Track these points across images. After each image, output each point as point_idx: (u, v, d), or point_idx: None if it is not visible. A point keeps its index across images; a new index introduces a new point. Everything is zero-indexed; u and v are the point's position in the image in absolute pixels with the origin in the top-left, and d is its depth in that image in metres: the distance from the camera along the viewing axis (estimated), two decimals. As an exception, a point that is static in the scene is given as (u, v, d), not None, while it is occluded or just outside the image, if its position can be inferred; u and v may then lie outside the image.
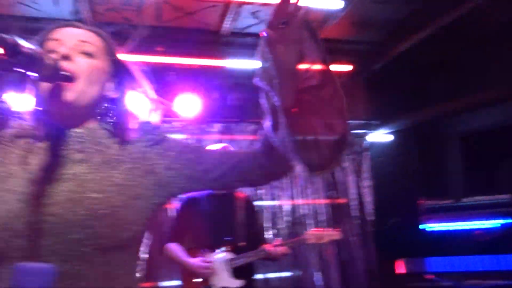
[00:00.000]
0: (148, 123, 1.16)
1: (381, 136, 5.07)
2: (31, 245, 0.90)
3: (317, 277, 4.50)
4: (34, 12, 3.72)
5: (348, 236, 4.62)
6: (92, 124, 1.07)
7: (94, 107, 1.07)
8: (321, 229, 3.33)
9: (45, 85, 0.93)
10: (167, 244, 2.97)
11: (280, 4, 0.93)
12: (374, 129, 5.00)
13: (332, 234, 3.23)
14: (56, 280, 0.84)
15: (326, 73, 1.02)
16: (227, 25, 4.05)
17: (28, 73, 0.85)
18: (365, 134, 4.99)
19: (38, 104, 0.98)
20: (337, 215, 4.71)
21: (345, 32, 4.40)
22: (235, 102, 4.54)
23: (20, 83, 0.85)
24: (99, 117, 1.09)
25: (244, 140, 4.64)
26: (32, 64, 0.84)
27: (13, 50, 0.80)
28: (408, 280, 3.45)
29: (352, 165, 4.86)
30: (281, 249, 2.99)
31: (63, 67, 0.94)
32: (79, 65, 0.99)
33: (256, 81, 1.01)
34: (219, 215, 3.03)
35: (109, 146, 1.07)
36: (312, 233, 3.21)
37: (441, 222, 3.62)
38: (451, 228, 3.65)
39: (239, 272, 2.96)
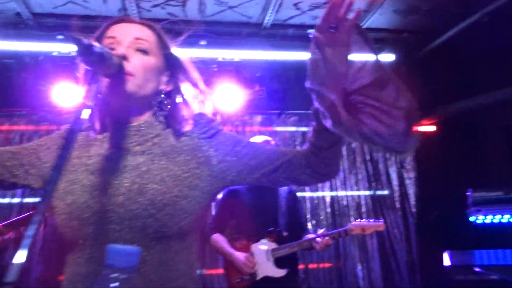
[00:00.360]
0: (203, 115, 1.19)
1: (424, 126, 4.95)
2: (98, 233, 0.97)
3: (359, 268, 4.49)
4: (84, 11, 3.88)
5: (390, 228, 4.58)
6: (149, 117, 1.12)
7: (150, 100, 1.12)
8: (366, 220, 3.32)
9: (107, 81, 0.99)
10: (211, 234, 3.05)
11: (329, 9, 0.93)
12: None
13: (376, 225, 3.22)
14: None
15: (383, 73, 1.00)
16: (269, 17, 4.07)
17: (96, 71, 0.92)
18: (408, 124, 4.89)
19: (100, 99, 1.04)
20: (379, 206, 4.66)
21: (387, 21, 4.33)
22: (276, 93, 4.57)
23: (89, 80, 0.92)
24: (155, 110, 1.14)
25: (285, 131, 4.67)
26: (101, 63, 0.91)
27: (87, 51, 0.87)
28: (455, 273, 3.38)
29: (395, 156, 4.79)
30: (325, 240, 3.00)
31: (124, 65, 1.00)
32: (135, 63, 1.04)
33: (308, 83, 1.01)
34: (262, 205, 3.08)
35: (166, 138, 1.12)
36: (356, 224, 3.20)
37: (489, 214, 3.52)
38: (500, 221, 3.54)
39: (281, 261, 3.01)
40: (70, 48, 4.00)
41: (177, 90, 1.16)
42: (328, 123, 0.99)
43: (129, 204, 0.99)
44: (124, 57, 1.01)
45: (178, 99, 1.16)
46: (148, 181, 1.02)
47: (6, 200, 4.06)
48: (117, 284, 0.75)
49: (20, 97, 4.16)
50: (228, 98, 4.32)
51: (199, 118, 1.17)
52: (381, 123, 0.97)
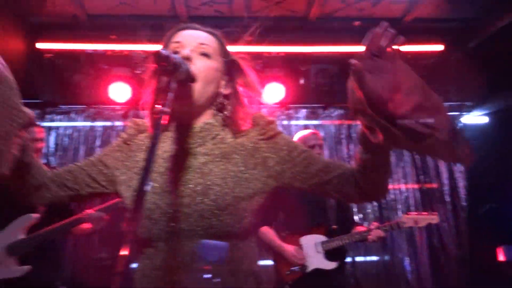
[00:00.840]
0: (262, 116, 1.21)
1: (475, 118, 4.80)
2: (168, 232, 1.03)
3: (407, 262, 4.44)
4: (136, 11, 4.02)
5: (440, 221, 4.49)
6: (209, 118, 1.17)
7: (211, 103, 1.18)
8: (418, 212, 3.26)
9: (176, 86, 1.03)
10: (259, 227, 3.11)
11: (371, 38, 0.93)
12: (468, 111, 4.75)
13: (429, 217, 3.16)
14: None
15: (432, 100, 0.96)
16: (314, 10, 4.07)
17: (171, 78, 0.98)
18: (459, 116, 4.75)
19: (166, 103, 1.08)
20: (428, 200, 4.58)
21: (437, 10, 4.22)
22: (321, 87, 4.56)
23: (165, 87, 0.98)
24: (214, 111, 1.19)
25: (330, 125, 4.67)
26: (175, 71, 0.98)
27: (165, 61, 0.95)
28: (510, 269, 3.29)
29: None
30: (377, 232, 2.99)
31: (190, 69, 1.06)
32: (198, 66, 1.10)
33: (350, 106, 1.01)
34: (311, 198, 3.08)
35: (224, 138, 1.16)
36: (409, 216, 3.16)
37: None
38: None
39: (332, 254, 3.03)
40: (123, 47, 4.17)
41: (235, 93, 1.21)
42: (376, 138, 0.98)
43: (194, 205, 1.04)
44: (188, 58, 1.08)
45: (236, 102, 1.21)
46: (211, 182, 1.07)
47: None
48: (209, 275, 0.82)
49: (77, 94, 4.38)
50: (274, 92, 4.35)
51: (258, 119, 1.21)
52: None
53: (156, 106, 0.97)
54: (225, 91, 1.19)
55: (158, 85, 1.15)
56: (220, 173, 1.09)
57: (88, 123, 4.42)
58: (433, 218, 3.15)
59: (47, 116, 4.36)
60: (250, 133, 1.18)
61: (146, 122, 1.22)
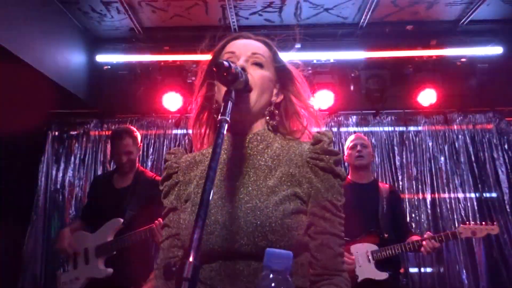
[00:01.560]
0: (327, 140, 1.12)
1: (538, 123, 4.54)
2: (224, 244, 1.02)
3: (464, 275, 4.25)
4: (189, 22, 4.15)
5: (500, 232, 4.26)
6: (261, 127, 1.17)
7: (264, 112, 1.17)
8: (477, 223, 3.11)
9: (234, 95, 1.02)
10: None
11: None
12: (530, 116, 4.50)
13: (489, 228, 3.00)
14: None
15: None
16: (365, 16, 4.02)
17: (230, 88, 0.99)
18: (520, 121, 4.51)
19: (227, 112, 1.03)
20: (487, 210, 4.36)
21: (495, 11, 4.04)
22: (372, 93, 4.49)
23: (225, 97, 0.99)
24: (266, 120, 1.17)
25: (381, 131, 4.57)
26: (235, 81, 0.99)
27: (226, 72, 0.96)
28: None
29: (504, 156, 4.44)
30: (432, 243, 2.87)
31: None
32: (253, 76, 1.10)
33: None
34: (362, 205, 3.04)
35: (274, 149, 1.15)
36: (466, 226, 3.01)
37: None
38: None
39: (383, 264, 2.95)
40: (176, 58, 4.31)
41: (286, 101, 1.21)
42: None
43: (247, 220, 1.02)
44: (243, 69, 1.07)
45: (287, 109, 1.20)
46: (257, 199, 1.05)
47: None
48: (273, 284, 0.84)
49: (132, 104, 4.57)
50: (324, 99, 4.33)
51: (321, 138, 1.13)
52: None
53: (216, 115, 0.99)
54: (277, 99, 1.19)
55: (217, 95, 1.16)
56: (267, 190, 1.06)
57: (142, 132, 4.59)
58: (493, 229, 3.00)
59: (105, 126, 4.57)
60: (304, 145, 1.14)
61: (181, 149, 1.25)
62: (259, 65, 1.15)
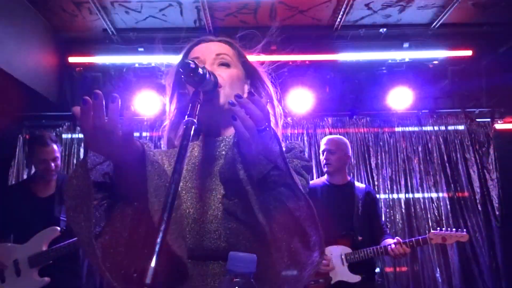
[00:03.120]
0: (300, 149, 1.17)
1: (507, 124, 4.66)
2: (198, 240, 1.03)
3: (438, 273, 4.33)
4: (163, 23, 4.11)
5: (472, 231, 4.36)
6: (231, 132, 1.17)
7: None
8: (447, 230, 3.16)
9: (202, 96, 1.03)
10: None
11: None
12: (500, 117, 4.62)
13: (458, 235, 3.06)
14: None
15: None
16: (340, 18, 4.05)
17: (198, 89, 0.99)
18: (490, 122, 4.63)
19: (194, 113, 1.04)
20: (459, 209, 4.45)
21: (466, 15, 4.14)
22: (347, 95, 4.54)
23: (192, 98, 0.97)
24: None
25: (356, 133, 4.62)
26: (202, 82, 0.99)
27: (192, 72, 0.95)
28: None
29: (476, 156, 4.55)
30: (402, 248, 2.91)
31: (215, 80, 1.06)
32: (221, 76, 1.11)
33: None
34: (337, 207, 3.07)
35: None
36: (436, 232, 3.06)
37: None
38: None
39: (357, 267, 2.99)
40: (150, 60, 4.26)
41: (258, 94, 1.21)
42: None
43: (221, 217, 1.03)
44: (210, 72, 1.07)
45: (260, 107, 1.20)
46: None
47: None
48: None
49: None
50: (299, 101, 4.35)
51: (295, 147, 1.17)
52: None
53: (184, 117, 0.97)
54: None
55: (185, 96, 1.17)
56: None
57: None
58: (462, 236, 3.05)
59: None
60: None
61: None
62: (226, 64, 1.16)
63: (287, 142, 1.19)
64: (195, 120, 0.90)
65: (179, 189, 1.06)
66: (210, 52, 1.17)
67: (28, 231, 2.78)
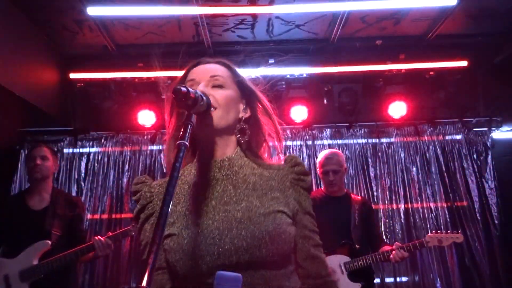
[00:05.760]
0: (299, 162, 1.21)
1: (505, 133, 4.69)
2: (194, 262, 1.03)
3: (438, 283, 4.33)
4: (162, 39, 4.18)
5: (471, 241, 4.38)
6: (233, 152, 1.19)
7: (233, 130, 1.20)
8: (442, 232, 3.21)
9: (196, 118, 1.05)
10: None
11: None
12: (497, 126, 4.65)
13: (454, 237, 3.10)
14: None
15: None
16: (335, 32, 4.11)
17: (190, 112, 1.01)
18: (488, 131, 4.66)
19: (186, 136, 1.03)
20: (458, 218, 4.47)
21: (460, 26, 4.20)
22: (345, 106, 4.58)
23: (185, 120, 1.00)
24: (237, 137, 1.20)
25: (355, 144, 4.66)
26: (195, 105, 1.01)
27: (184, 97, 0.97)
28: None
29: (474, 165, 4.58)
30: (400, 253, 2.93)
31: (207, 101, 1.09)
32: (215, 97, 1.13)
33: None
34: (335, 217, 3.11)
35: (248, 172, 1.18)
36: (432, 235, 3.10)
37: None
38: None
39: (356, 275, 3.01)
40: (150, 75, 4.32)
41: (254, 116, 1.24)
42: None
43: (220, 239, 1.04)
44: (203, 94, 1.10)
45: (255, 124, 1.24)
46: (235, 217, 1.07)
47: (96, 216, 4.43)
48: None
49: (106, 121, 4.55)
50: (298, 113, 4.40)
51: (293, 161, 1.21)
52: None
53: (178, 140, 1.00)
54: (245, 115, 1.23)
55: (179, 119, 1.18)
56: (245, 209, 1.09)
57: (118, 149, 4.55)
58: (457, 237, 3.09)
59: (79, 143, 4.53)
60: (281, 171, 1.19)
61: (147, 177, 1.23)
62: (219, 86, 1.18)
63: (288, 156, 1.23)
64: (187, 143, 0.93)
65: (170, 212, 1.09)
66: (205, 74, 1.19)
67: (19, 244, 2.76)
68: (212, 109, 1.10)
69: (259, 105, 1.26)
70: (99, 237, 2.85)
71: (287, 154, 1.25)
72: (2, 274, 2.74)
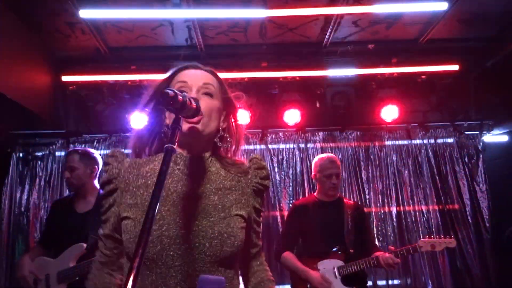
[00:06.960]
0: (262, 166, 1.32)
1: (496, 136, 4.73)
2: (166, 256, 1.09)
3: (430, 286, 4.35)
4: (155, 42, 4.18)
5: (463, 244, 4.40)
6: (209, 155, 1.25)
7: (212, 137, 1.24)
8: (435, 237, 3.23)
9: (182, 121, 1.08)
10: (282, 252, 3.13)
11: None
12: (488, 130, 4.69)
13: (447, 242, 3.13)
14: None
15: None
16: (328, 36, 4.13)
17: (178, 115, 1.03)
18: (479, 135, 4.70)
19: (174, 139, 1.07)
20: (450, 221, 4.49)
21: (452, 31, 4.23)
22: (338, 109, 4.60)
23: (173, 124, 1.01)
24: (218, 144, 1.26)
25: (347, 147, 4.67)
26: (182, 109, 1.02)
27: (172, 101, 0.98)
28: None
29: (465, 169, 4.61)
30: (392, 258, 2.94)
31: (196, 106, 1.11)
32: (203, 105, 1.16)
33: None
34: (328, 222, 3.11)
35: (222, 175, 1.24)
36: (425, 240, 3.13)
37: None
38: None
39: (349, 279, 3.01)
40: (142, 77, 4.32)
41: (229, 127, 1.31)
42: None
43: (189, 234, 1.10)
44: (195, 99, 1.13)
45: (230, 134, 1.31)
46: (204, 215, 1.14)
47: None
48: None
49: (99, 123, 4.54)
50: (290, 116, 4.41)
51: (257, 164, 1.31)
52: None
53: (165, 138, 1.02)
54: (223, 125, 1.27)
55: (168, 120, 1.21)
56: (213, 207, 1.16)
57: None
58: (450, 242, 3.11)
59: (71, 145, 4.51)
60: (246, 175, 1.27)
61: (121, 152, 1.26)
62: (210, 95, 1.22)
63: (254, 157, 1.33)
64: (174, 147, 0.95)
65: (135, 195, 1.16)
66: (198, 80, 1.22)
67: (63, 246, 2.82)
68: (199, 115, 1.14)
69: (236, 118, 1.34)
70: None
71: (251, 155, 1.34)
72: (45, 273, 2.82)
